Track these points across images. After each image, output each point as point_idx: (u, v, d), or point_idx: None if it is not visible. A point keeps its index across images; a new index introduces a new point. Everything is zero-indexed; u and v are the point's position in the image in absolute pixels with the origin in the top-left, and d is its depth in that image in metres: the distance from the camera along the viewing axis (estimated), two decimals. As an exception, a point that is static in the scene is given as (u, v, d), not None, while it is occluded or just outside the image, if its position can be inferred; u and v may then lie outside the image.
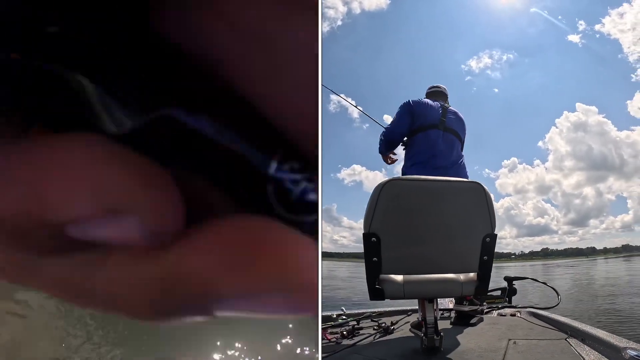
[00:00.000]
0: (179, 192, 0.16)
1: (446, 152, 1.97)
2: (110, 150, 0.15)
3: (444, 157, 1.96)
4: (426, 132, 1.98)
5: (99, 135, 0.16)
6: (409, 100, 2.06)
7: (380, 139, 2.13)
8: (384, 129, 2.12)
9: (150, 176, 0.16)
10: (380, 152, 2.17)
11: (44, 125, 0.17)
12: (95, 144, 0.15)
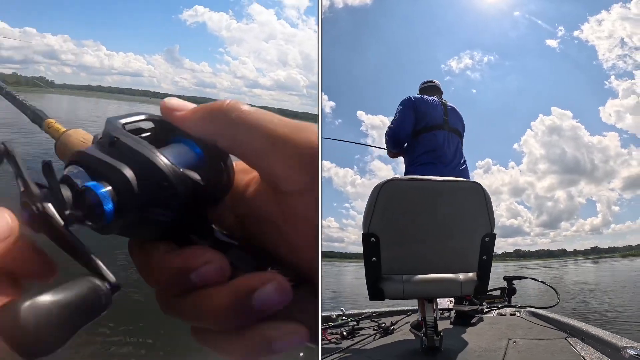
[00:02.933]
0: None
1: (451, 154, 1.97)
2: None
3: (449, 158, 1.95)
4: (433, 133, 1.95)
5: None
6: (410, 97, 2.01)
7: (386, 139, 2.06)
8: (387, 129, 2.04)
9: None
10: (389, 153, 2.11)
11: None
12: None
